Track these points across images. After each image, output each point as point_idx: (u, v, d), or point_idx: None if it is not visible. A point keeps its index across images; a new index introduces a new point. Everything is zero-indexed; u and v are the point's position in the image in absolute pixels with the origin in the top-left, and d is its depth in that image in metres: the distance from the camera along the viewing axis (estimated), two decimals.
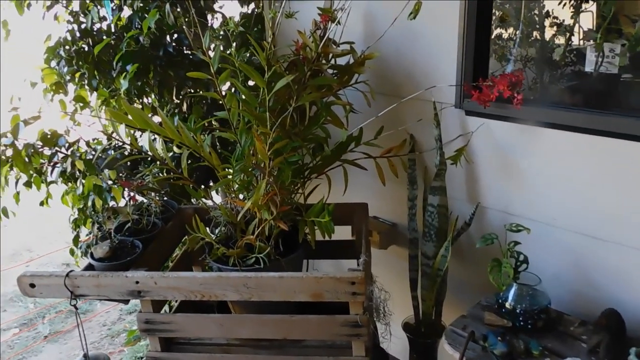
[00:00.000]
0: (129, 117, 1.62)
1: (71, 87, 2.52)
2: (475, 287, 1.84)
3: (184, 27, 1.85)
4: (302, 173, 1.86)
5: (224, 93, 1.81)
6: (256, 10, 2.86)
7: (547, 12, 1.65)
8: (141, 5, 1.98)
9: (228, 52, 2.21)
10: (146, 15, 1.95)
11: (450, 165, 1.76)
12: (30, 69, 2.69)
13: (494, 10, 1.68)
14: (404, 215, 2.03)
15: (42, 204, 2.46)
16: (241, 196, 1.85)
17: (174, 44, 2.23)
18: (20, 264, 4.45)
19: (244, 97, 1.75)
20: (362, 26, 1.98)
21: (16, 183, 2.22)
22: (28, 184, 2.24)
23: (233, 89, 1.88)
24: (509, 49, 1.76)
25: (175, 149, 1.75)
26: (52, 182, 2.33)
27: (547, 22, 1.64)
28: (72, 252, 2.69)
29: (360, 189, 2.01)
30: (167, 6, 1.80)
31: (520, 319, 1.46)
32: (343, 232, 1.93)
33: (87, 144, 2.37)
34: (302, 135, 1.80)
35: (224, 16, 2.80)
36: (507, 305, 1.48)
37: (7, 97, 2.67)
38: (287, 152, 1.68)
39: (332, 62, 1.87)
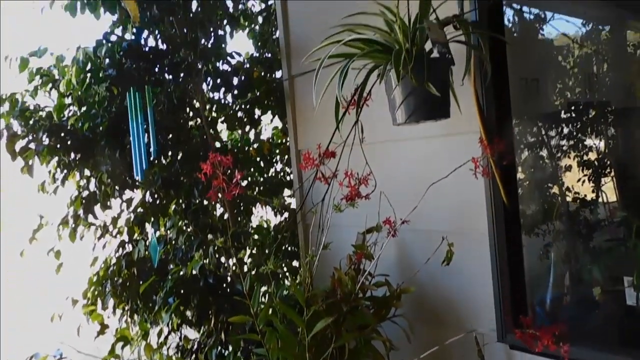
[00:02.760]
0: None
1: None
2: None
3: (225, 264, 1.95)
4: None
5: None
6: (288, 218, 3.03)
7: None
8: (186, 242, 2.12)
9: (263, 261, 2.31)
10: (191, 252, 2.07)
11: None
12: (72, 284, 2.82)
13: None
14: None
15: None
16: None
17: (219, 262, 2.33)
18: None
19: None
20: (396, 254, 2.05)
21: None
22: None
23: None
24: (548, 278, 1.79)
25: None
26: None
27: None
28: None
29: None
30: (211, 249, 1.93)
31: None
32: None
33: None
34: None
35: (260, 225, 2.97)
36: None
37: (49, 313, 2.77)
38: None
39: (369, 293, 1.90)
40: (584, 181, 2.85)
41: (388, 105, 1.61)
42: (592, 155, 2.88)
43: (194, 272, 2.13)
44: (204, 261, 1.98)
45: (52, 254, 2.65)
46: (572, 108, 2.80)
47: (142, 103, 2.03)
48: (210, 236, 2.05)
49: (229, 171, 1.65)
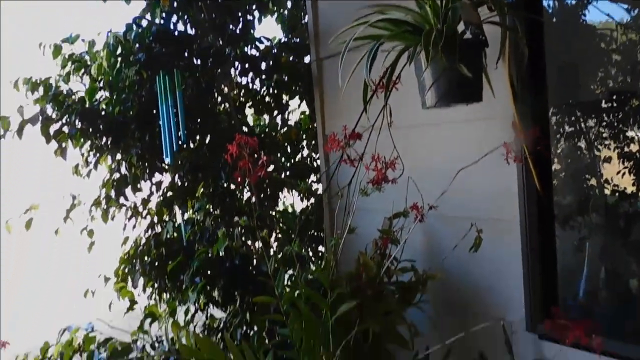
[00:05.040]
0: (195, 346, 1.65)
1: None
2: None
3: (251, 246, 1.96)
4: None
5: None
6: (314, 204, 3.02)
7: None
8: (212, 224, 2.15)
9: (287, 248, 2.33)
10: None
11: None
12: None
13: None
14: None
15: None
16: None
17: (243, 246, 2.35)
18: None
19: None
20: (423, 240, 2.02)
21: None
22: None
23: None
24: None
25: None
26: None
27: None
28: None
29: None
30: (236, 231, 1.94)
31: None
32: None
33: (152, 345, 2.41)
34: (367, 357, 1.75)
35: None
36: None
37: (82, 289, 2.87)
38: None
39: (394, 278, 1.88)
40: (623, 174, 2.73)
41: (418, 87, 1.58)
42: (634, 147, 2.76)
43: (220, 253, 2.15)
44: (229, 243, 2.00)
45: (85, 232, 2.72)
46: (614, 97, 2.68)
47: (172, 86, 2.05)
48: (236, 218, 2.06)
49: (254, 154, 1.64)
